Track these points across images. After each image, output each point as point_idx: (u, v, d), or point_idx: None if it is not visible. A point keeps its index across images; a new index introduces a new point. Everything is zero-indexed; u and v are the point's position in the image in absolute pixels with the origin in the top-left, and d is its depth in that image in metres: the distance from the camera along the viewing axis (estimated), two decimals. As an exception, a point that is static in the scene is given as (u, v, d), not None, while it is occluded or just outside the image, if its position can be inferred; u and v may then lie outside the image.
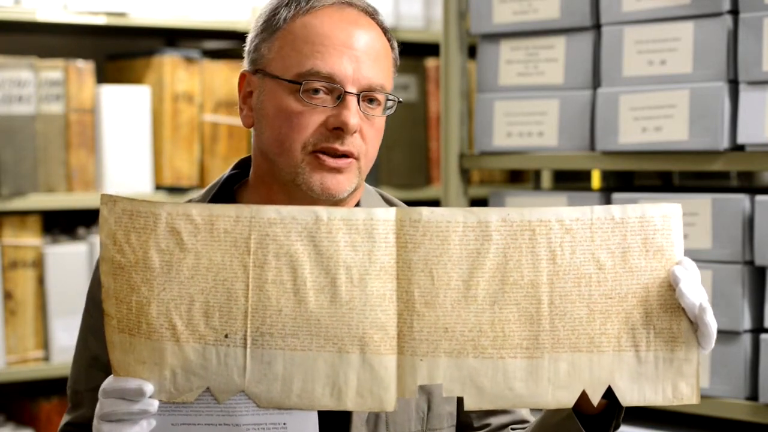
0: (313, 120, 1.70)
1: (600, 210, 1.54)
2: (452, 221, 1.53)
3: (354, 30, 1.73)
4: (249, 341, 1.52)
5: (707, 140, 2.68)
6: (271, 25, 1.75)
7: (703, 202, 2.69)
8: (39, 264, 3.40)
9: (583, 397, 1.54)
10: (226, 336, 1.52)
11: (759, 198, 2.62)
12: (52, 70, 3.40)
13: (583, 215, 1.54)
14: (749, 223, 2.63)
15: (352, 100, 1.70)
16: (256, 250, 1.53)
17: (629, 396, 1.55)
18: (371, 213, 1.53)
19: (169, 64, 3.60)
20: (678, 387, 1.55)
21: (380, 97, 1.74)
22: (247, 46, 1.79)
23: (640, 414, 2.91)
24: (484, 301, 1.53)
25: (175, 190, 3.60)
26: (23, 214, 3.39)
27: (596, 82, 2.90)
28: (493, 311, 1.53)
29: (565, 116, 2.93)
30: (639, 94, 2.79)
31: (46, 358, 3.41)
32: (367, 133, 1.72)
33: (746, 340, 2.64)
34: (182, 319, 1.52)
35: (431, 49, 3.92)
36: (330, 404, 1.53)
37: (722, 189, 2.96)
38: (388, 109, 1.75)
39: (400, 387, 1.52)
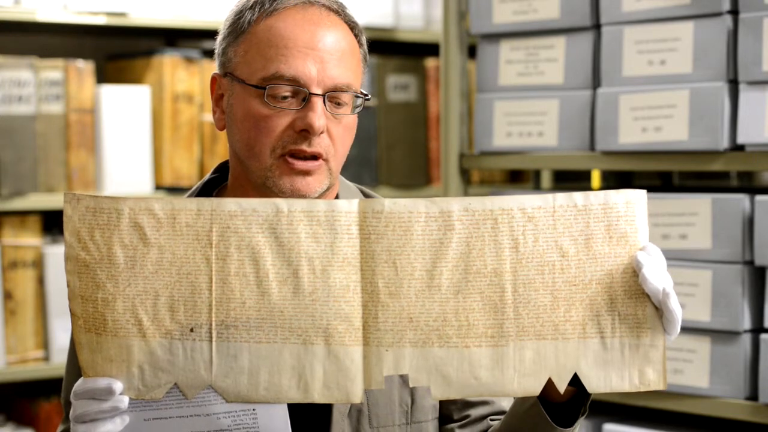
0: (280, 123, 1.71)
1: (562, 197, 1.54)
2: (414, 212, 1.53)
3: (317, 30, 1.72)
4: (214, 334, 1.53)
5: (707, 140, 2.68)
6: (236, 29, 1.76)
7: (703, 202, 2.69)
8: (39, 264, 3.40)
9: (550, 384, 1.54)
10: (191, 330, 1.53)
11: (759, 198, 2.62)
12: (52, 70, 3.40)
13: (545, 203, 1.54)
14: (749, 223, 2.63)
15: (317, 102, 1.70)
16: (218, 242, 1.53)
17: (595, 383, 1.54)
18: (333, 205, 1.54)
19: (169, 64, 3.60)
20: (645, 373, 1.55)
21: (347, 96, 1.74)
22: (216, 48, 1.81)
23: (639, 414, 2.91)
24: (447, 290, 1.53)
25: (175, 190, 3.60)
26: (23, 214, 3.39)
27: (596, 82, 2.90)
28: (457, 300, 1.53)
29: (565, 116, 2.93)
30: (639, 94, 2.79)
31: (46, 358, 3.41)
32: (335, 133, 1.73)
33: (746, 340, 2.64)
34: (148, 314, 1.53)
35: (431, 49, 3.92)
36: (297, 397, 1.53)
37: (722, 189, 2.97)
38: (357, 107, 1.75)
39: (367, 378, 1.53)
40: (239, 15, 1.76)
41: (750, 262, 2.64)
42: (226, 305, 1.53)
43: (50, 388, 3.48)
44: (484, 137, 3.08)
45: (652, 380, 1.55)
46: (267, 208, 1.53)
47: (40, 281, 3.40)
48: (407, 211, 1.54)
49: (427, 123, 4.03)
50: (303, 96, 1.71)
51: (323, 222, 1.53)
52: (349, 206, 1.54)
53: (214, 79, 1.81)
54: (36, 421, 3.46)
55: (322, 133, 1.71)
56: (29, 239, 3.39)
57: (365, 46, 1.81)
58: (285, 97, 1.71)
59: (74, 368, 1.78)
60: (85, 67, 3.47)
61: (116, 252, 1.53)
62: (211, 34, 4.24)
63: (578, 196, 1.54)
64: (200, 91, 3.65)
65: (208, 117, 3.67)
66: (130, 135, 3.53)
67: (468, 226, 1.54)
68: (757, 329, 2.65)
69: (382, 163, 3.93)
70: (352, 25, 1.78)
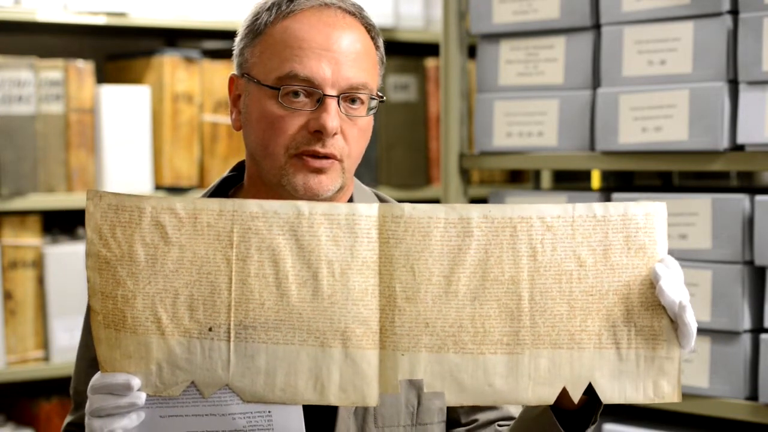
0: (294, 123, 1.71)
1: (582, 207, 1.55)
2: (434, 217, 1.54)
3: (332, 32, 1.73)
4: (232, 334, 1.54)
5: (707, 140, 2.68)
6: (253, 30, 1.77)
7: (703, 202, 2.69)
8: (39, 264, 3.40)
9: (563, 393, 1.55)
10: (210, 329, 1.54)
11: (759, 198, 2.62)
12: (52, 70, 3.40)
13: (564, 212, 1.54)
14: (749, 223, 2.63)
15: (331, 103, 1.71)
16: (239, 243, 1.54)
17: (610, 393, 1.55)
18: (353, 208, 1.54)
19: (169, 64, 3.60)
20: (659, 385, 1.55)
21: (363, 96, 1.74)
22: (235, 49, 1.81)
23: (638, 413, 2.91)
24: (464, 296, 1.54)
25: (175, 190, 3.60)
26: (23, 214, 3.39)
27: (596, 82, 2.90)
28: (474, 307, 1.54)
29: (565, 116, 2.93)
30: (639, 94, 2.79)
31: (46, 358, 3.41)
32: (349, 134, 1.73)
33: (746, 340, 2.64)
34: (167, 312, 1.54)
35: (431, 49, 3.92)
36: (313, 398, 1.54)
37: (722, 189, 2.97)
38: (372, 108, 1.76)
39: (383, 382, 1.53)
40: (256, 16, 1.77)
41: (750, 262, 2.64)
42: (245, 306, 1.54)
43: (50, 388, 3.48)
44: (484, 137, 3.08)
45: (667, 392, 1.55)
46: (288, 210, 1.54)
47: (40, 281, 3.40)
48: (427, 216, 1.54)
49: (427, 123, 4.03)
50: (317, 97, 1.71)
51: (343, 225, 1.54)
52: (369, 210, 1.54)
53: (232, 80, 1.81)
54: (36, 421, 3.46)
55: (335, 134, 1.71)
56: (29, 239, 3.39)
57: (382, 49, 1.81)
58: (299, 97, 1.71)
59: (84, 359, 1.80)
60: (85, 67, 3.47)
61: (137, 250, 1.54)
62: (211, 34, 4.23)
63: (598, 207, 1.55)
64: (200, 92, 3.65)
65: (208, 117, 3.67)
66: (130, 135, 3.53)
67: (487, 233, 1.54)
68: (757, 329, 2.65)
69: (382, 163, 3.93)
70: (368, 28, 1.78)
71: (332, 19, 1.74)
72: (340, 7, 1.76)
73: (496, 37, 3.06)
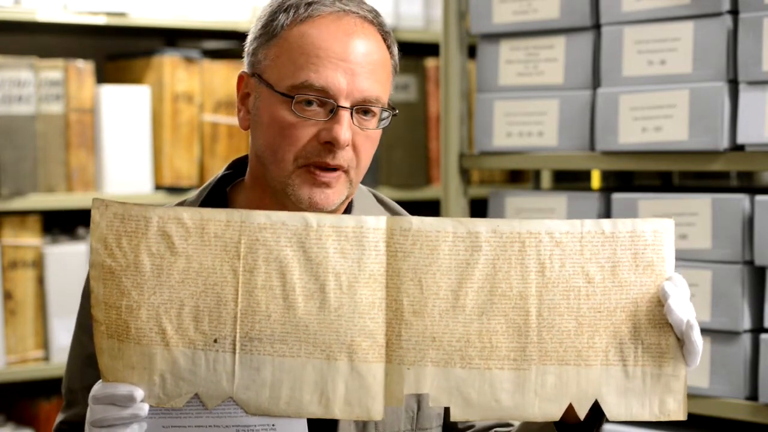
0: (306, 132, 1.69)
1: (590, 223, 1.55)
2: (442, 231, 1.53)
3: (350, 41, 1.70)
4: (238, 346, 1.52)
5: (707, 140, 2.68)
6: (268, 31, 1.73)
7: (703, 202, 2.69)
8: (39, 264, 3.40)
9: (568, 408, 1.54)
10: (215, 341, 1.52)
11: (759, 198, 2.62)
12: (52, 70, 3.40)
13: (573, 228, 1.54)
14: (749, 223, 2.63)
15: (344, 115, 1.69)
16: (246, 254, 1.53)
17: (616, 410, 1.55)
18: (361, 221, 1.54)
19: (169, 64, 3.60)
20: (665, 403, 1.55)
21: (375, 108, 1.72)
22: (246, 47, 1.78)
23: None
24: (472, 311, 1.53)
25: (174, 190, 3.60)
26: (23, 214, 3.39)
27: (596, 82, 2.90)
28: (481, 322, 1.53)
29: (565, 116, 2.93)
30: (639, 94, 2.79)
31: (46, 358, 3.41)
32: (360, 145, 1.72)
33: (746, 340, 2.64)
34: (172, 323, 1.52)
35: (431, 49, 3.92)
36: (318, 412, 1.53)
37: (722, 189, 2.97)
38: (383, 120, 1.74)
39: (388, 395, 1.53)
40: (272, 17, 1.73)
41: (750, 262, 2.64)
42: (251, 318, 1.52)
43: (50, 388, 3.48)
44: (484, 137, 3.08)
45: (673, 410, 1.55)
46: (296, 222, 1.53)
47: (40, 281, 3.40)
48: (435, 230, 1.53)
49: (427, 123, 4.03)
50: (330, 107, 1.69)
51: (351, 238, 1.53)
52: (377, 223, 1.54)
53: (241, 78, 1.78)
54: (36, 421, 3.47)
55: (347, 146, 1.69)
56: (29, 239, 3.39)
57: (396, 57, 1.79)
58: (312, 106, 1.69)
59: (78, 357, 1.79)
60: (85, 67, 3.47)
61: (143, 260, 1.53)
62: (211, 34, 4.23)
63: (606, 223, 1.55)
64: (200, 91, 3.65)
65: (208, 117, 3.67)
66: (130, 135, 3.53)
67: (495, 248, 1.54)
68: (757, 329, 2.65)
69: (382, 163, 3.93)
70: (385, 36, 1.76)
71: (351, 28, 1.71)
72: (358, 15, 1.73)
73: (496, 37, 3.06)
